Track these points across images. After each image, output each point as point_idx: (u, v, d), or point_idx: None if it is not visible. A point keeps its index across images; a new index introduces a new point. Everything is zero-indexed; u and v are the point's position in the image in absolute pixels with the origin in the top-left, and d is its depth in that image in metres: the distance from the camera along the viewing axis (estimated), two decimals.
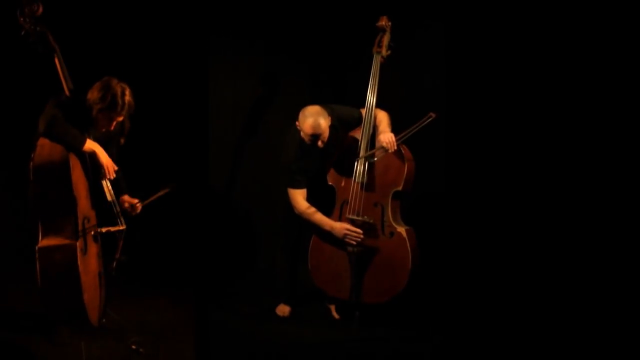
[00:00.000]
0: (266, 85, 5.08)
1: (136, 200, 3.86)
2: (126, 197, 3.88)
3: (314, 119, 3.96)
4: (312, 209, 4.11)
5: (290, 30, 4.96)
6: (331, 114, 4.03)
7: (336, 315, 4.27)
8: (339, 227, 4.06)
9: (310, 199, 4.14)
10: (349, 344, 3.91)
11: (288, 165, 4.12)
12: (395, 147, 3.98)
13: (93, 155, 3.62)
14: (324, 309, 4.33)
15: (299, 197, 4.13)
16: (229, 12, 4.90)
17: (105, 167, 3.65)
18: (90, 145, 3.60)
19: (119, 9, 4.76)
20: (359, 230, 4.03)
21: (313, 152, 4.08)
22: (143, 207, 3.87)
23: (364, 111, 4.14)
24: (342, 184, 4.16)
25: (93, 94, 3.56)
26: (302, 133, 4.03)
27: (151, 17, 4.81)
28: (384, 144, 3.97)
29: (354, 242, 4.03)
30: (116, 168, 3.70)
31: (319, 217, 4.11)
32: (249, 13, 4.95)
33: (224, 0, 4.85)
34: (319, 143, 4.01)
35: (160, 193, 3.85)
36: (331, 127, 4.03)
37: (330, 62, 5.01)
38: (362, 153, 4.05)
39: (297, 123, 4.04)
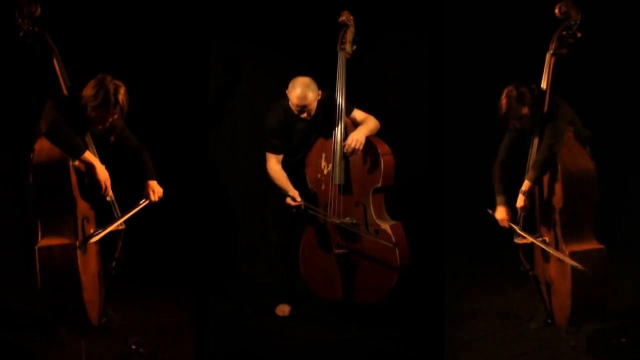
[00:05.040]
0: (265, 86, 5.08)
1: (161, 190, 3.83)
2: (152, 184, 3.82)
3: (301, 90, 3.99)
4: (281, 173, 4.12)
5: (290, 30, 4.95)
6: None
7: None
8: (289, 197, 4.08)
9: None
10: (349, 344, 3.92)
11: (268, 129, 4.14)
12: (355, 149, 3.96)
13: (91, 167, 3.57)
14: (324, 308, 4.32)
15: (271, 160, 4.15)
16: (229, 13, 4.90)
17: (103, 184, 3.60)
18: (90, 157, 3.55)
19: (117, 10, 4.76)
20: (297, 203, 4.05)
21: (297, 123, 4.10)
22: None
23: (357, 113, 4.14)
24: (322, 187, 4.15)
25: (87, 91, 3.52)
26: (289, 102, 4.06)
27: (150, 17, 4.81)
28: (345, 145, 3.98)
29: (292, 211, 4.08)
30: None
31: (284, 183, 4.12)
32: (248, 13, 4.95)
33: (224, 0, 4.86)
34: (305, 115, 4.04)
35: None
36: (320, 100, 4.05)
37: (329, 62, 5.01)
38: (336, 179, 4.05)
39: (286, 91, 4.06)
